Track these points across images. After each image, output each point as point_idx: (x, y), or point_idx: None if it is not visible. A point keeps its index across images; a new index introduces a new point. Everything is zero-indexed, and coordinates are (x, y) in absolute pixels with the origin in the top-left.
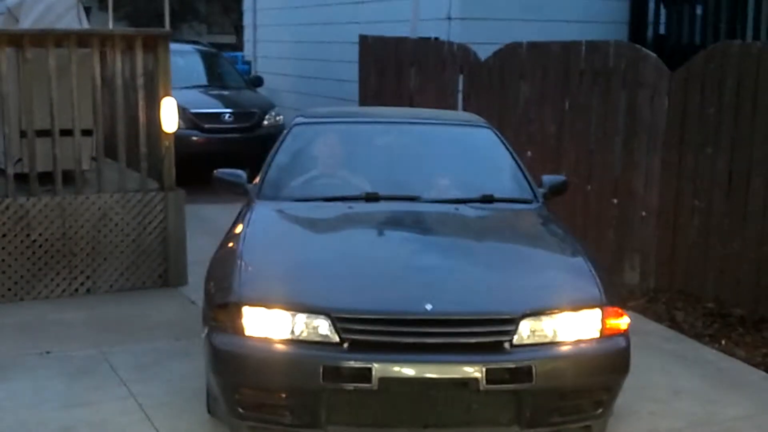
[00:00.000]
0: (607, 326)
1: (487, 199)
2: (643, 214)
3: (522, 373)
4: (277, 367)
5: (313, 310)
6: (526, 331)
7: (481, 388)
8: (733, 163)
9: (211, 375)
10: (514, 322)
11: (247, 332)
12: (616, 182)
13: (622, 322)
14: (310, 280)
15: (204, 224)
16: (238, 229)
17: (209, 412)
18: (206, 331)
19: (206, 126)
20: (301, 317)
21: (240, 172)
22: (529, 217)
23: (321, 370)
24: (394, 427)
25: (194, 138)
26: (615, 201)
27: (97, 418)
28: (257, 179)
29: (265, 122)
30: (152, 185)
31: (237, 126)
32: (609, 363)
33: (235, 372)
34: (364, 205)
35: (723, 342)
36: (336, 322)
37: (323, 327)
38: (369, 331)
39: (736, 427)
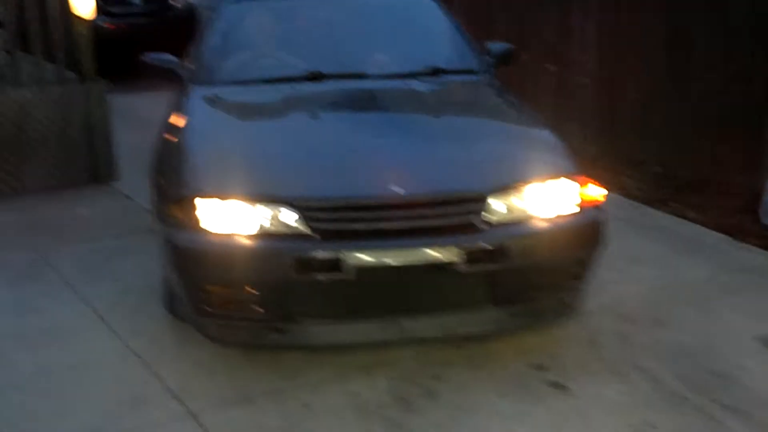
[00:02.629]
0: (582, 198)
1: (436, 72)
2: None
3: (499, 253)
4: (246, 262)
5: (279, 201)
6: (501, 207)
7: (459, 269)
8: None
9: (173, 274)
10: (483, 198)
11: (210, 227)
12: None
13: (599, 192)
14: (271, 168)
15: (125, 116)
16: (178, 117)
17: (169, 311)
18: (163, 228)
19: (114, 11)
20: (265, 208)
21: (171, 56)
22: (483, 89)
23: (293, 263)
24: (369, 316)
25: (103, 24)
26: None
27: (49, 324)
28: (189, 63)
29: (175, 4)
30: (71, 76)
31: (147, 9)
32: (587, 237)
33: (200, 270)
34: (309, 86)
35: (672, 205)
36: (304, 211)
37: (291, 217)
38: (339, 219)
39: (700, 288)
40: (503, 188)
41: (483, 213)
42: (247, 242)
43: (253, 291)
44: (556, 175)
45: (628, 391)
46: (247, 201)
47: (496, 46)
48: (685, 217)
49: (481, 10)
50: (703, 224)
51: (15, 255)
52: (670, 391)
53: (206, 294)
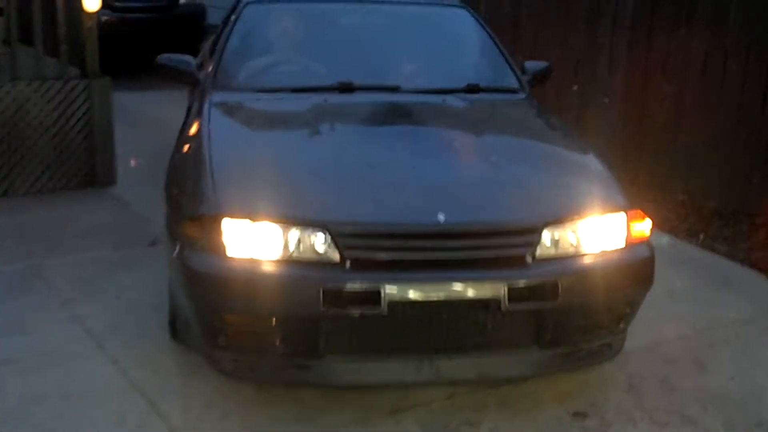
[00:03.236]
0: (632, 233)
1: (473, 89)
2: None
3: (547, 290)
4: (269, 291)
5: (309, 223)
6: (549, 241)
7: (503, 307)
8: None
9: (186, 300)
10: (537, 231)
11: (231, 250)
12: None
13: (646, 226)
14: (300, 187)
15: (125, 115)
16: (197, 124)
17: (174, 338)
18: (177, 248)
19: (117, 4)
20: (295, 232)
21: (188, 57)
22: (524, 109)
23: (321, 294)
24: (401, 355)
25: (105, 18)
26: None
27: (40, 347)
28: (208, 67)
29: (181, 0)
30: (74, 72)
31: (152, 4)
32: (635, 274)
33: (218, 297)
34: (339, 97)
35: (701, 237)
36: (336, 237)
37: (321, 243)
38: (375, 247)
39: (742, 331)
40: (558, 221)
41: (534, 246)
42: (272, 269)
43: (276, 323)
44: (612, 209)
45: None
46: (278, 223)
47: (533, 64)
48: (714, 250)
49: (507, 24)
50: (732, 257)
51: (4, 265)
52: None
53: (223, 324)
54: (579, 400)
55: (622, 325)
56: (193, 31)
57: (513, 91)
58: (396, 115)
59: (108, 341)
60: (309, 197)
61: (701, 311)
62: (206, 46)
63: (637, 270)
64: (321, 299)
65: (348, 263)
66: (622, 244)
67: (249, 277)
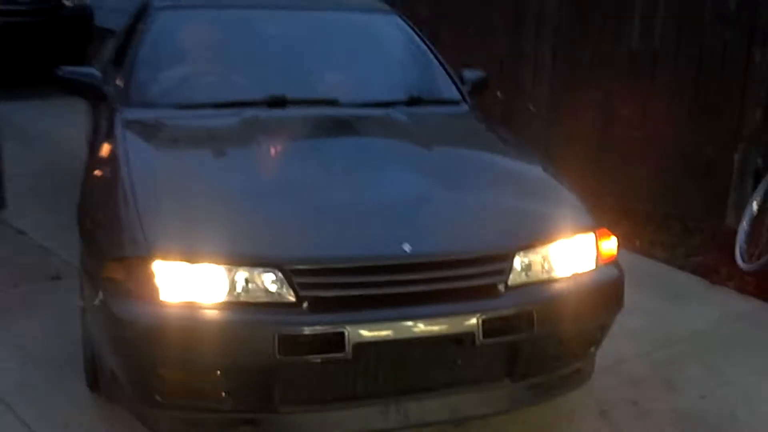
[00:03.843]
0: (602, 253)
1: (415, 101)
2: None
3: (522, 320)
4: (214, 340)
5: (258, 262)
6: (521, 268)
7: (477, 342)
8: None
9: (112, 353)
10: (509, 257)
11: (166, 296)
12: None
13: (613, 245)
14: (244, 219)
15: (9, 129)
16: (110, 147)
17: (92, 388)
18: (100, 296)
19: None
20: (242, 271)
21: (92, 70)
22: (473, 123)
23: (276, 341)
24: (366, 399)
25: None
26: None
27: None
28: (115, 80)
29: (67, 2)
30: None
31: (35, 7)
32: (608, 296)
33: (153, 350)
34: (271, 113)
35: (637, 242)
36: (290, 275)
37: (273, 283)
38: (335, 284)
39: (700, 343)
40: (529, 245)
41: (506, 275)
42: (216, 314)
43: (223, 375)
44: (581, 230)
45: None
46: (221, 263)
47: (471, 73)
48: (652, 256)
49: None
50: (672, 263)
51: None
52: None
53: (159, 380)
54: None
55: (592, 350)
56: (80, 35)
57: (456, 103)
58: (339, 132)
59: (14, 399)
60: (255, 231)
61: (655, 325)
62: (106, 55)
63: (609, 291)
64: (276, 346)
65: (305, 304)
66: (593, 266)
67: (189, 325)
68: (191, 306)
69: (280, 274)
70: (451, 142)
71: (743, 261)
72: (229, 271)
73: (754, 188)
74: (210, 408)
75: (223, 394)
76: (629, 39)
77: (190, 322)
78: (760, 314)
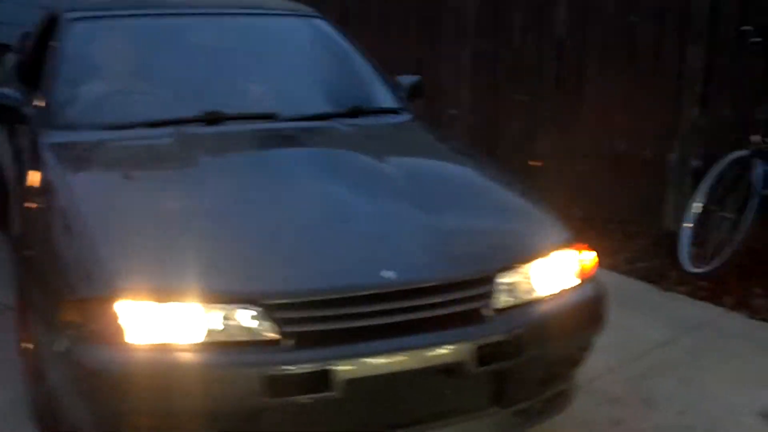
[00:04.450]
0: (583, 268)
1: (356, 112)
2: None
3: (513, 345)
4: (191, 384)
5: (235, 299)
6: (507, 290)
7: (473, 370)
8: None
9: (75, 403)
10: (491, 280)
11: (136, 339)
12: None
13: (592, 258)
14: (213, 251)
15: None
16: (43, 174)
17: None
18: (64, 342)
19: None
20: (218, 310)
21: (11, 90)
22: (421, 134)
23: (261, 383)
24: None
25: None
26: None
27: None
28: (33, 100)
29: None
30: None
31: None
32: (593, 313)
33: (121, 399)
34: (209, 130)
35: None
36: (271, 310)
37: (253, 320)
38: (318, 318)
39: (668, 356)
40: (509, 266)
41: (492, 298)
42: (191, 357)
43: (201, 423)
44: (560, 246)
45: None
46: (193, 301)
47: (406, 78)
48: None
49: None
50: (617, 269)
51: None
52: None
53: (131, 430)
54: None
55: (576, 370)
56: None
57: (396, 112)
58: (290, 148)
59: None
60: (228, 264)
61: (616, 337)
62: (10, 71)
63: (594, 308)
64: (260, 388)
65: (288, 340)
66: (578, 282)
67: (162, 370)
68: (163, 348)
69: (260, 310)
70: (409, 157)
71: (692, 265)
72: (206, 308)
73: (693, 189)
74: None
75: None
76: (555, 35)
77: (162, 366)
78: (720, 321)
